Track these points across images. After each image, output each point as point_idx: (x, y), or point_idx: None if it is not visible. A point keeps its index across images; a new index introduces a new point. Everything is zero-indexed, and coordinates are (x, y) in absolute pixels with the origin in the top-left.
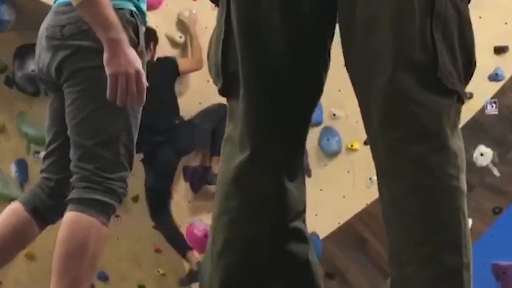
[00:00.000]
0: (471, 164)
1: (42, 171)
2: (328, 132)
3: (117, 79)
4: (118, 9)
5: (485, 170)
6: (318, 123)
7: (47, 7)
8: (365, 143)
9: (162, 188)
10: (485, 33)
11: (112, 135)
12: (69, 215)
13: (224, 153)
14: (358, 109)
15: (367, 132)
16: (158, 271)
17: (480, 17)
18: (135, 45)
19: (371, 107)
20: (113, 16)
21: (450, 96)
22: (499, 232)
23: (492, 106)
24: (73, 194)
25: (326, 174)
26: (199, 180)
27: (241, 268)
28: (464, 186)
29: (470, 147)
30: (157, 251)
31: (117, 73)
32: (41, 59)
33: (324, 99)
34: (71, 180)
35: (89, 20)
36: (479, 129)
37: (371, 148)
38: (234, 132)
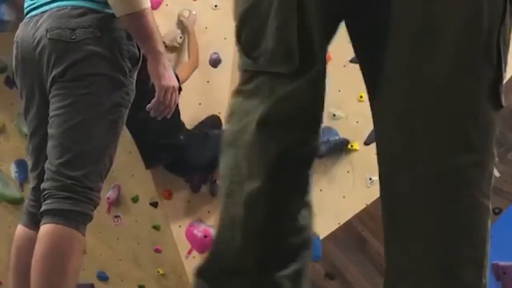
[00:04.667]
0: None
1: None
2: (328, 132)
3: (167, 92)
4: None
5: None
6: None
7: None
8: (365, 143)
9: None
10: None
11: (103, 145)
12: (50, 228)
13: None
14: (358, 109)
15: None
16: (158, 271)
17: None
18: (137, 60)
19: (413, 114)
20: (158, 30)
21: (498, 112)
22: (499, 232)
23: None
24: (51, 205)
25: (326, 174)
26: (199, 180)
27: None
28: (490, 208)
29: None
30: (157, 251)
31: (169, 86)
32: (33, 62)
33: None
34: (45, 186)
35: (137, 31)
36: None
37: (390, 154)
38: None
